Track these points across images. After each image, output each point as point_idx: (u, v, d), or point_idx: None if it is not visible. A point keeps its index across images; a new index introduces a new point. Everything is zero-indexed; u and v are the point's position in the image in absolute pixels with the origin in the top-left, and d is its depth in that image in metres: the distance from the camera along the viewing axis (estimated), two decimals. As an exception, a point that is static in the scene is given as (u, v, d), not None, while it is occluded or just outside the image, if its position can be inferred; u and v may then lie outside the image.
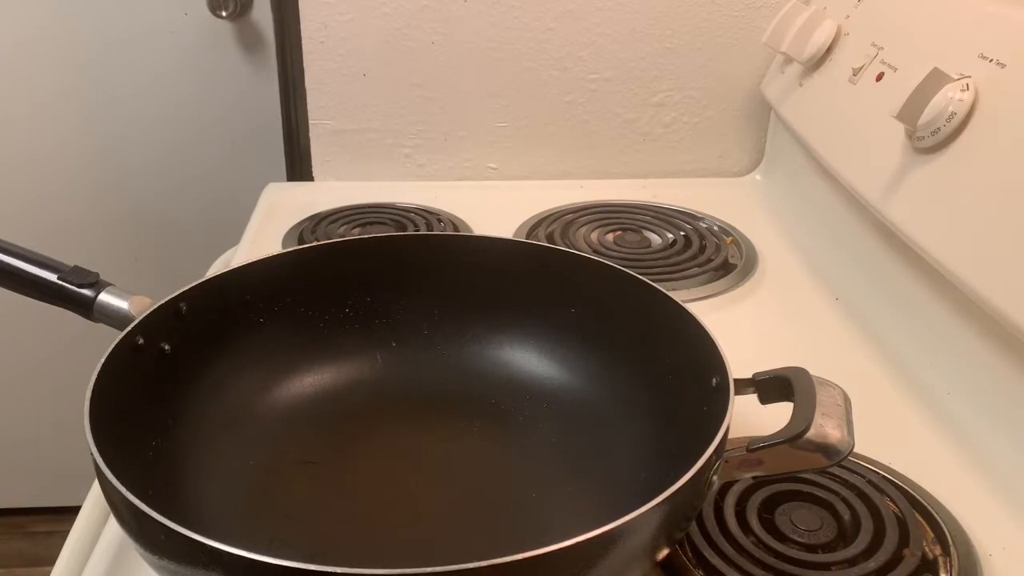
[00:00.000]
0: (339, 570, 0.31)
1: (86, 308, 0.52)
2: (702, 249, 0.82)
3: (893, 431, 0.57)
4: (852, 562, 0.45)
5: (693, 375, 0.46)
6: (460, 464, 0.52)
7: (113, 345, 0.45)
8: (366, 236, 0.60)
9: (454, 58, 0.97)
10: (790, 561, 0.45)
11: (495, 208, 0.92)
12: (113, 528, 0.52)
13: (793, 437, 0.40)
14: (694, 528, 0.47)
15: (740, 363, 0.45)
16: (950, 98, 0.57)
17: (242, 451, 0.51)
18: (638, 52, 0.97)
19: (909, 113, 0.58)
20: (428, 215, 0.89)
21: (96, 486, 0.56)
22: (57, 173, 1.34)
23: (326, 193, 0.97)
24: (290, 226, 0.87)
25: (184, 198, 1.36)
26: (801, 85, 0.85)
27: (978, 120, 0.56)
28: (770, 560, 0.45)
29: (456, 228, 0.87)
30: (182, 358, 0.50)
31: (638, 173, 1.03)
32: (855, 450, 0.40)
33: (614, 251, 0.82)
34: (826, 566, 0.45)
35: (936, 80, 0.57)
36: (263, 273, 0.55)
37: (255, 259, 0.55)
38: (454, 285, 0.59)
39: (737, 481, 0.50)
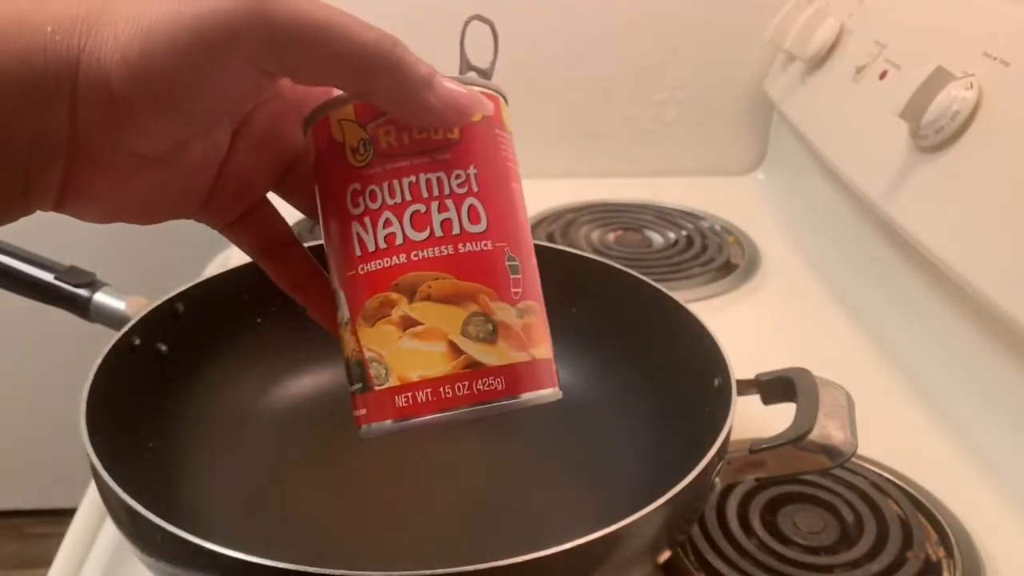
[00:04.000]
0: (337, 572, 0.31)
1: (82, 308, 0.52)
2: (704, 249, 0.82)
3: (896, 432, 0.57)
4: (855, 564, 0.45)
5: (695, 376, 0.46)
6: (459, 466, 0.51)
7: (109, 346, 0.45)
8: (365, 235, 0.60)
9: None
10: (793, 564, 0.45)
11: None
12: (110, 530, 0.52)
13: (796, 438, 0.40)
14: (696, 530, 0.46)
15: (742, 364, 0.44)
16: (954, 96, 0.56)
17: (240, 452, 0.50)
18: (640, 49, 0.97)
19: (913, 111, 0.57)
20: (428, 214, 0.88)
21: (93, 488, 0.55)
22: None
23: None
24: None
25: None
26: (804, 83, 0.85)
27: (982, 118, 0.55)
28: (773, 562, 0.45)
29: (456, 227, 0.86)
30: (179, 359, 0.50)
31: (639, 172, 1.02)
32: (858, 452, 0.40)
33: (615, 251, 0.82)
34: (829, 568, 0.45)
35: (940, 78, 0.56)
36: (261, 273, 0.55)
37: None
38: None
39: (740, 483, 0.49)
